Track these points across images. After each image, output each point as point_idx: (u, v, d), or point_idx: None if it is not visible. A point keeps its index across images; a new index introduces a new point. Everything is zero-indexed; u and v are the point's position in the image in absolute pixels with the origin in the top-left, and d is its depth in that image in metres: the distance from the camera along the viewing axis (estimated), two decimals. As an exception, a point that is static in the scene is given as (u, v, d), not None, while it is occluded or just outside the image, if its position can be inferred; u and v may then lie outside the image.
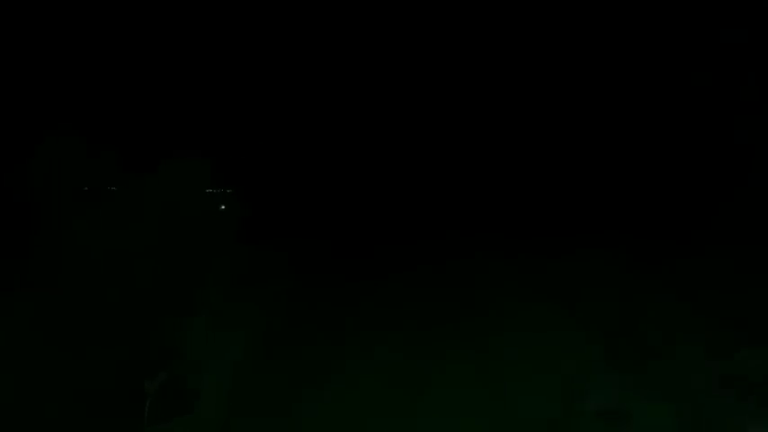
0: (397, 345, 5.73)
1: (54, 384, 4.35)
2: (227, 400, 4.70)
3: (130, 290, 5.25)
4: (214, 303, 5.91)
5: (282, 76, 15.22)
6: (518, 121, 15.75)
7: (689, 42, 13.48)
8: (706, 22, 13.07)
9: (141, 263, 5.63)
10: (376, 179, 16.24)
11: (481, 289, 7.94)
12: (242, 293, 6.63)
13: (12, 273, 5.25)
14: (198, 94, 13.00)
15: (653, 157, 14.24)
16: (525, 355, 5.27)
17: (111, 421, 4.18)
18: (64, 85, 7.76)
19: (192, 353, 4.88)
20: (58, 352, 4.55)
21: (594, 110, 14.97)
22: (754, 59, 12.89)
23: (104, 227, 5.69)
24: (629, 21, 14.49)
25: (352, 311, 6.82)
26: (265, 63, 14.99)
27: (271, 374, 5.00)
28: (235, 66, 14.37)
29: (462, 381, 4.92)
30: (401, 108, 16.14)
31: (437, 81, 15.99)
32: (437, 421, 4.39)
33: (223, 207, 7.09)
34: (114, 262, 5.36)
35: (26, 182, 5.79)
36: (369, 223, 13.95)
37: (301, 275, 8.40)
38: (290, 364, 5.20)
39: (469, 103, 16.07)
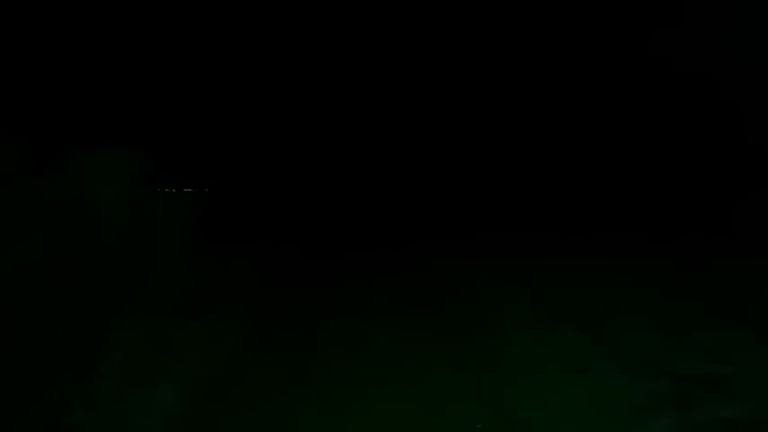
0: (385, 355, 4.79)
1: None
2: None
3: (24, 322, 3.77)
4: (139, 339, 4.47)
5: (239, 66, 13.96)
6: (521, 122, 14.90)
7: (705, 45, 12.72)
8: (727, 24, 12.33)
9: (45, 281, 4.15)
10: (355, 175, 15.19)
11: (475, 292, 7.06)
12: (184, 320, 5.28)
13: None
14: (133, 78, 11.62)
15: (670, 159, 13.49)
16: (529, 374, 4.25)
17: None
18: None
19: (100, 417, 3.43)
20: None
21: (606, 112, 14.25)
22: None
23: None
24: (640, 22, 13.73)
25: (333, 324, 5.79)
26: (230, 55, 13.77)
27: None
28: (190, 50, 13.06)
29: (456, 387, 4.05)
30: (381, 102, 15.12)
31: (418, 77, 15.07)
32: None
33: (162, 208, 5.62)
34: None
35: None
36: (345, 225, 12.89)
37: (268, 288, 7.29)
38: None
39: (453, 102, 15.14)
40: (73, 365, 3.86)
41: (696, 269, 7.85)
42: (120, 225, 4.75)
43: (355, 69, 14.81)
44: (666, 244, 9.68)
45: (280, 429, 3.54)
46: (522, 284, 7.45)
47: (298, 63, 14.46)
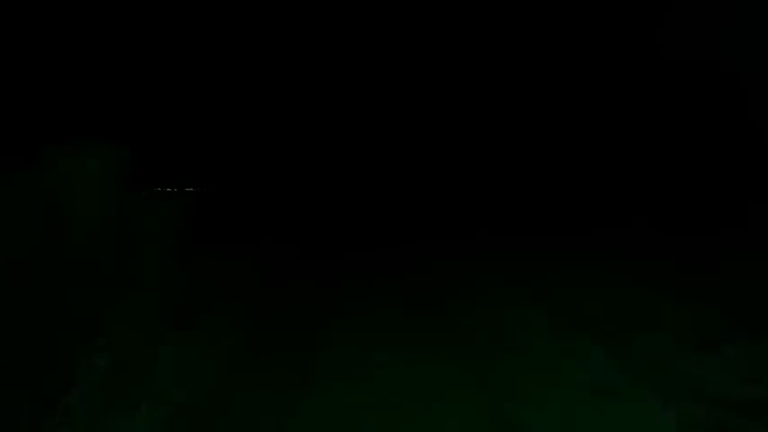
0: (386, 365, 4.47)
1: None
2: None
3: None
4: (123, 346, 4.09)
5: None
6: (527, 120, 14.57)
7: (709, 41, 12.39)
8: (733, 20, 12.02)
9: (9, 292, 3.76)
10: (355, 175, 14.83)
11: (480, 296, 6.71)
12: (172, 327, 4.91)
13: None
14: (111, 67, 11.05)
15: (677, 158, 13.17)
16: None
17: None
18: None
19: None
20: None
21: (612, 111, 13.93)
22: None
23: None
24: (641, 18, 13.38)
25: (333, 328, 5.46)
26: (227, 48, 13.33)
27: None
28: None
29: (462, 408, 3.74)
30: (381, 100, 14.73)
31: (418, 78, 14.72)
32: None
33: (149, 210, 5.24)
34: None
35: None
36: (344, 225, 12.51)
37: (264, 293, 6.93)
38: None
39: (455, 103, 14.80)
40: (40, 388, 3.47)
41: (711, 271, 7.55)
42: (100, 228, 4.35)
43: (356, 69, 14.48)
44: (678, 244, 9.35)
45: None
46: (528, 287, 7.13)
47: (298, 62, 14.10)
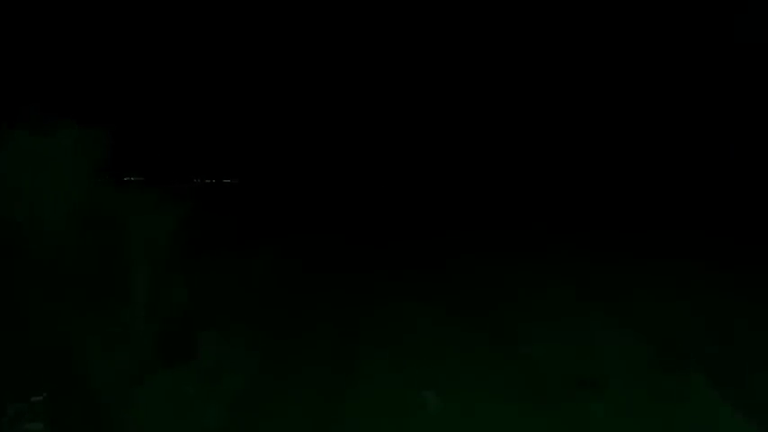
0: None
1: None
2: None
3: None
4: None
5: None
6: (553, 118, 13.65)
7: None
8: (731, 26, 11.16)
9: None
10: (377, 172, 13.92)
11: (536, 306, 5.67)
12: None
13: None
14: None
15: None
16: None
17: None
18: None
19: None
20: None
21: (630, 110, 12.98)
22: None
23: None
24: (642, 21, 12.51)
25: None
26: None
27: None
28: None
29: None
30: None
31: (454, 74, 13.86)
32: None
33: (134, 206, 4.27)
34: None
35: None
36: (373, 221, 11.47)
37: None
38: None
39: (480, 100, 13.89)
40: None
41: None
42: (66, 227, 3.35)
43: (377, 68, 13.70)
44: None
45: None
46: (594, 289, 5.94)
47: (320, 57, 13.28)
